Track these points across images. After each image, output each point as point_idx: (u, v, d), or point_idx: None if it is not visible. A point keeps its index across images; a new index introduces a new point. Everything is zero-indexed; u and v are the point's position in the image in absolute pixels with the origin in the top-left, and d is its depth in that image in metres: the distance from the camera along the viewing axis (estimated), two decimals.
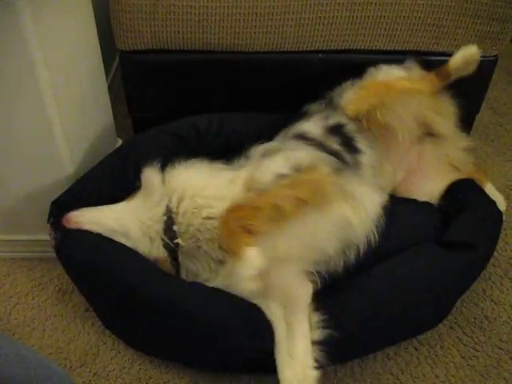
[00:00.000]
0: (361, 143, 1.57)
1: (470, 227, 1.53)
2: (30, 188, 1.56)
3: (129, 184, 1.49)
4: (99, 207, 1.43)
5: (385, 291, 1.38)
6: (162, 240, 1.38)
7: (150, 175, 1.43)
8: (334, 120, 1.60)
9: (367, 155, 1.56)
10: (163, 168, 1.46)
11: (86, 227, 1.39)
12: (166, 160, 1.48)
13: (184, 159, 1.47)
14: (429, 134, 1.68)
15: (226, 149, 1.63)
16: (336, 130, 1.57)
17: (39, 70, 1.32)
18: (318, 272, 1.40)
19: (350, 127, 1.59)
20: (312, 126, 1.58)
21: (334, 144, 1.53)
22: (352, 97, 1.61)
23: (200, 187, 1.39)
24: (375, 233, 1.46)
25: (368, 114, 1.57)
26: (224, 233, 1.27)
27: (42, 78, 1.34)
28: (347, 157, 1.52)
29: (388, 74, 1.65)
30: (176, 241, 1.37)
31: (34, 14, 1.26)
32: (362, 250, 1.44)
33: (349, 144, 1.55)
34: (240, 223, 1.25)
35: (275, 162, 1.39)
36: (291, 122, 1.63)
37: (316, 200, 1.32)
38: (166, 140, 1.66)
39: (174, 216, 1.38)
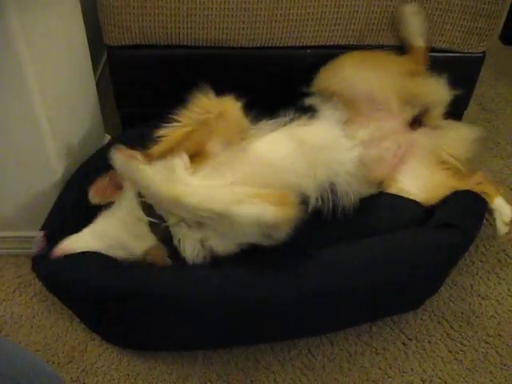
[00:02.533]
0: (321, 107, 1.57)
1: (453, 211, 1.52)
2: (16, 184, 1.54)
3: None
4: (81, 233, 1.38)
5: (356, 265, 1.37)
6: (149, 223, 1.33)
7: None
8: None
9: (328, 112, 1.55)
10: None
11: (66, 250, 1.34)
12: None
13: None
14: (423, 123, 1.66)
15: None
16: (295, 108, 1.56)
17: (25, 66, 1.31)
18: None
19: (310, 101, 1.61)
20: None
21: (289, 114, 1.51)
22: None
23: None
24: (351, 177, 1.43)
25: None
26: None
27: (28, 74, 1.32)
28: (303, 115, 1.50)
29: None
30: (165, 224, 1.33)
31: (19, 9, 1.24)
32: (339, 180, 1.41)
33: (306, 109, 1.55)
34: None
35: None
36: None
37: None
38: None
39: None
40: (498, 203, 1.60)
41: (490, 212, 1.61)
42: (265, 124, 1.46)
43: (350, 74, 1.60)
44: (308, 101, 1.62)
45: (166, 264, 1.35)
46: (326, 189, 1.40)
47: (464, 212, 1.52)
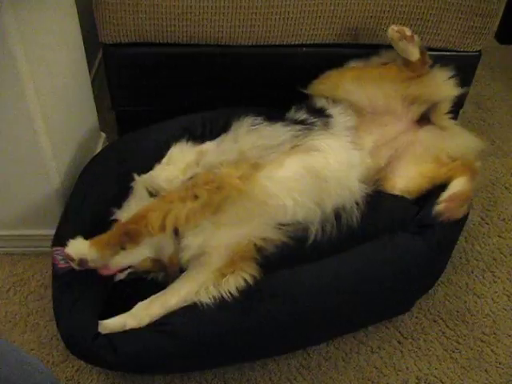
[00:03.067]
0: (332, 111, 1.57)
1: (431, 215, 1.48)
2: (11, 183, 1.54)
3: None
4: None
5: (344, 274, 1.38)
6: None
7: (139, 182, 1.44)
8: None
9: (339, 118, 1.55)
10: None
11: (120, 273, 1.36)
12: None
13: None
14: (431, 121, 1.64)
15: None
16: (306, 106, 1.60)
17: (20, 63, 1.30)
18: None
19: (320, 103, 1.62)
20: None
21: (302, 115, 1.54)
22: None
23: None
24: (358, 194, 1.44)
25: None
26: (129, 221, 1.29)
27: (22, 71, 1.32)
28: (316, 120, 1.51)
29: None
30: None
31: (14, 7, 1.24)
32: (346, 206, 1.41)
33: (319, 112, 1.56)
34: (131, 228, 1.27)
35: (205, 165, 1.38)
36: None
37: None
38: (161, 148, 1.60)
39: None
40: (455, 182, 1.48)
41: None
42: (278, 139, 1.44)
43: (350, 88, 1.59)
44: (317, 102, 1.62)
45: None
46: (330, 219, 1.41)
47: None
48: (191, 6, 1.64)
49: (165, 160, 1.47)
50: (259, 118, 1.52)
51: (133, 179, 1.46)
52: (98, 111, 1.86)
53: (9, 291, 1.60)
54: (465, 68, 1.86)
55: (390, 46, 1.78)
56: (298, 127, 1.48)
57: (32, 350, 1.46)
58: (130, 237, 1.27)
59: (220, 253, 1.34)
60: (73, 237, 1.31)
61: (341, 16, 1.70)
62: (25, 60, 1.31)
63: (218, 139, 1.49)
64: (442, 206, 1.43)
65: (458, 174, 1.50)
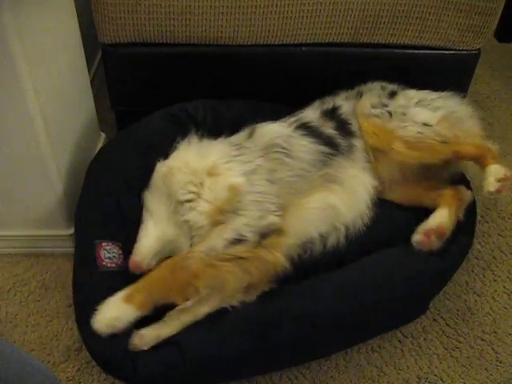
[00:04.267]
0: (355, 127, 1.57)
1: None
2: (9, 183, 1.54)
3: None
4: (143, 238, 1.39)
5: (359, 284, 1.38)
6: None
7: (157, 169, 1.45)
8: (330, 104, 1.62)
9: (359, 138, 1.55)
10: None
11: (151, 265, 1.34)
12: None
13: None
14: None
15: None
16: (331, 113, 1.58)
17: (19, 63, 1.30)
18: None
19: (346, 109, 1.60)
20: (310, 112, 1.60)
21: (329, 129, 1.53)
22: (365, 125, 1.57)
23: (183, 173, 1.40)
24: (367, 216, 1.48)
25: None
26: (150, 277, 1.27)
27: (21, 71, 1.31)
28: (341, 141, 1.52)
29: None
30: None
31: (13, 7, 1.24)
32: (354, 231, 1.45)
33: (344, 128, 1.55)
34: (163, 291, 1.25)
35: (246, 219, 1.31)
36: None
37: (262, 278, 1.32)
38: (170, 129, 1.64)
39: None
40: (492, 168, 1.43)
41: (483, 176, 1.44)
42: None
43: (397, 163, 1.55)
44: (343, 114, 1.59)
45: None
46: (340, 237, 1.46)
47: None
48: (190, 6, 1.64)
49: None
50: (280, 123, 1.54)
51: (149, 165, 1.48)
52: (97, 111, 1.86)
53: (9, 292, 1.60)
54: (464, 66, 1.87)
55: (388, 46, 1.79)
56: (326, 150, 1.48)
57: (32, 350, 1.46)
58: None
59: None
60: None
61: (340, 15, 1.70)
62: (24, 60, 1.31)
63: (248, 161, 1.42)
64: (417, 237, 1.44)
65: (443, 203, 1.49)
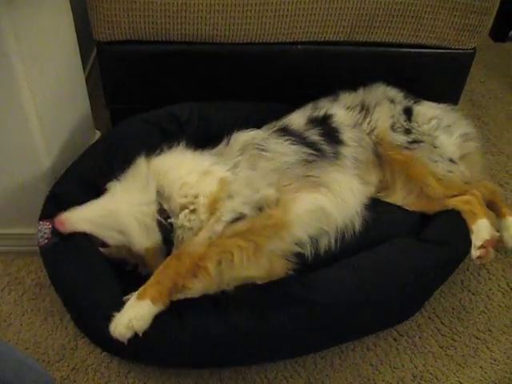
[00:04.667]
0: (346, 136, 1.57)
1: (446, 227, 1.54)
2: (4, 181, 1.53)
3: (114, 175, 1.47)
4: (88, 204, 1.40)
5: (357, 280, 1.38)
6: (158, 222, 1.37)
7: (139, 163, 1.44)
8: (322, 111, 1.62)
9: (350, 147, 1.56)
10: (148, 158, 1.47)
11: (80, 228, 1.35)
12: (151, 150, 1.48)
13: (167, 148, 1.49)
14: None
15: (208, 138, 1.62)
16: (320, 122, 1.58)
17: (13, 60, 1.29)
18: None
19: (341, 120, 1.60)
20: (296, 116, 1.61)
21: (313, 135, 1.54)
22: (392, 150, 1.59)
23: (179, 174, 1.40)
24: (358, 221, 1.49)
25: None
26: (158, 272, 1.27)
27: (16, 69, 1.31)
28: (326, 148, 1.52)
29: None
30: (170, 220, 1.37)
31: (8, 4, 1.23)
32: (344, 235, 1.47)
33: (332, 136, 1.56)
34: (174, 278, 1.25)
35: (242, 197, 1.36)
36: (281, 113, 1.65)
37: (272, 239, 1.35)
38: (150, 131, 1.66)
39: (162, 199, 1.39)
40: (479, 225, 1.50)
41: (470, 234, 1.51)
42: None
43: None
44: (333, 122, 1.60)
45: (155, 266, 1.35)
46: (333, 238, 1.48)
47: (456, 230, 1.53)
48: (186, 4, 1.64)
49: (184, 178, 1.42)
50: (257, 130, 1.56)
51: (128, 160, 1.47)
52: (92, 109, 1.85)
53: (3, 290, 1.59)
54: (459, 65, 1.88)
55: (384, 44, 1.79)
56: (308, 150, 1.49)
57: (27, 349, 1.46)
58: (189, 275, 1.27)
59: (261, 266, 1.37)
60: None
61: (336, 13, 1.70)
62: (18, 58, 1.31)
63: (229, 161, 1.45)
64: (477, 253, 1.47)
65: (478, 212, 1.53)
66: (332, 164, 1.51)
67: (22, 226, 1.64)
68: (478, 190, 1.58)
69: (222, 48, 1.76)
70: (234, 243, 1.29)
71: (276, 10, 1.67)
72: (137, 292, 1.24)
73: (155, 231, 1.37)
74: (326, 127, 1.57)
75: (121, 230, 1.37)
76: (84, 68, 1.80)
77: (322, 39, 1.76)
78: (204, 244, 1.29)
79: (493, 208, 1.61)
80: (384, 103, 1.66)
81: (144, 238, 1.37)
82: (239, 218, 1.32)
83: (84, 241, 1.37)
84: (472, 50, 1.83)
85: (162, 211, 1.38)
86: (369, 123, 1.62)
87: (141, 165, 1.44)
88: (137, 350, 1.29)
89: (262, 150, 1.48)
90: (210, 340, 1.28)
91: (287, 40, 1.76)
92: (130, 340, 1.21)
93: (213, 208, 1.35)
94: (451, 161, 1.57)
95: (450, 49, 1.81)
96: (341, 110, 1.63)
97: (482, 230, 1.49)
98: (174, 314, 1.29)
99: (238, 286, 1.33)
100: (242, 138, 1.52)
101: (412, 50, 1.81)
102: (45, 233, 1.38)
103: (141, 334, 1.20)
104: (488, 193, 1.62)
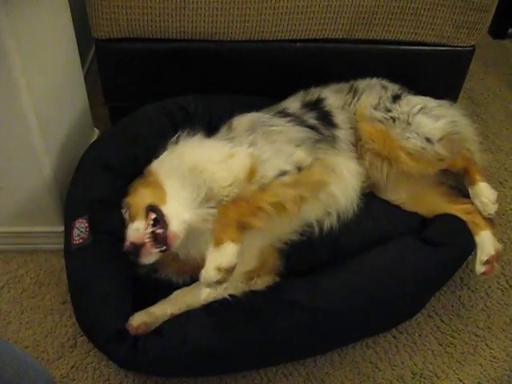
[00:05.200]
0: (338, 119, 1.59)
1: (448, 227, 1.54)
2: (2, 179, 1.52)
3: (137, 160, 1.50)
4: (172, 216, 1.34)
5: (360, 283, 1.39)
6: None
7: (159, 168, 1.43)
8: (314, 95, 1.64)
9: (343, 130, 1.58)
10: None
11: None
12: (167, 138, 1.50)
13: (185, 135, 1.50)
14: None
15: (211, 127, 1.63)
16: (314, 105, 1.60)
17: (12, 58, 1.29)
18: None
19: (331, 102, 1.62)
20: (290, 101, 1.64)
21: (310, 119, 1.56)
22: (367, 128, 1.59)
23: (211, 170, 1.39)
24: (356, 202, 1.53)
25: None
26: (220, 220, 1.28)
27: (14, 66, 1.31)
28: (324, 131, 1.55)
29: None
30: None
31: (6, 2, 1.22)
32: (345, 216, 1.51)
33: (326, 119, 1.58)
34: (238, 217, 1.26)
35: (279, 158, 1.39)
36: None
37: (315, 195, 1.40)
38: (163, 120, 1.65)
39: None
40: (483, 238, 1.51)
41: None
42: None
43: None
44: (326, 105, 1.62)
45: None
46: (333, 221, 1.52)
47: (459, 231, 1.54)
48: (184, 1, 1.63)
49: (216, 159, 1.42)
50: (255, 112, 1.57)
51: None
52: (91, 107, 1.85)
53: (3, 289, 1.59)
54: (458, 63, 1.88)
55: (383, 42, 1.79)
56: (312, 133, 1.52)
57: (26, 347, 1.45)
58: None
59: (252, 254, 1.41)
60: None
61: (334, 11, 1.70)
62: (17, 56, 1.30)
63: (244, 141, 1.46)
64: (482, 269, 1.48)
65: (481, 224, 1.53)
66: (332, 147, 1.54)
67: (20, 225, 1.64)
68: (453, 162, 1.57)
69: (221, 45, 1.76)
70: (284, 191, 1.32)
71: (275, 7, 1.67)
72: (210, 246, 1.24)
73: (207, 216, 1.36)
74: (320, 111, 1.59)
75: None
76: (82, 66, 1.80)
77: (321, 37, 1.76)
78: (255, 191, 1.31)
79: (465, 175, 1.58)
80: (376, 88, 1.67)
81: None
82: (283, 173, 1.35)
83: (112, 248, 1.37)
84: (471, 47, 1.83)
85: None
86: (355, 104, 1.64)
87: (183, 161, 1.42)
88: (139, 361, 1.28)
89: (270, 125, 1.51)
90: (211, 350, 1.28)
91: (286, 37, 1.75)
92: (130, 351, 1.24)
93: (253, 175, 1.36)
94: (427, 140, 1.54)
95: (449, 46, 1.81)
96: (331, 93, 1.65)
97: (486, 243, 1.49)
98: (176, 324, 1.30)
99: (239, 295, 1.36)
100: (246, 119, 1.53)
101: (411, 47, 1.81)
102: (81, 231, 1.38)
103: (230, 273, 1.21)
104: (463, 162, 1.58)
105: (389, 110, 1.60)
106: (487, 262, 1.46)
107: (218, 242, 1.23)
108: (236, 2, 1.65)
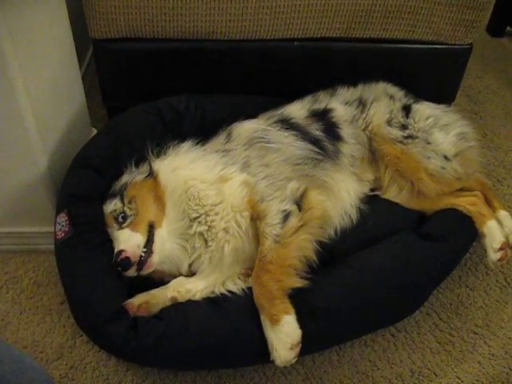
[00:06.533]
0: (345, 132, 1.59)
1: (446, 223, 1.55)
2: (1, 181, 1.52)
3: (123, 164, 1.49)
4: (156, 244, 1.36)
5: (360, 280, 1.39)
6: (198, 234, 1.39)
7: (164, 176, 1.43)
8: (322, 104, 1.63)
9: (348, 145, 1.58)
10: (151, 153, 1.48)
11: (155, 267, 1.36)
12: (154, 140, 1.51)
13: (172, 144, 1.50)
14: None
15: (204, 127, 1.66)
16: (321, 115, 1.60)
17: (9, 59, 1.29)
18: None
19: (340, 114, 1.61)
20: (296, 108, 1.62)
21: (316, 130, 1.56)
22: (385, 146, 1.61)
23: (198, 188, 1.40)
24: (353, 213, 1.55)
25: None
26: (262, 294, 1.29)
27: (12, 67, 1.31)
28: (328, 145, 1.55)
29: None
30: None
31: (2, 2, 1.22)
32: (335, 233, 1.51)
33: (332, 131, 1.57)
34: (279, 286, 1.28)
35: (276, 198, 1.38)
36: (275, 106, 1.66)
37: (323, 229, 1.43)
38: (151, 121, 1.66)
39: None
40: (490, 227, 1.53)
41: (481, 236, 1.54)
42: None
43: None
44: (333, 117, 1.62)
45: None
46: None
47: (458, 225, 1.55)
48: (182, 1, 1.63)
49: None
50: (254, 120, 1.58)
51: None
52: (89, 107, 1.85)
53: (1, 289, 1.59)
54: (456, 61, 1.88)
55: (381, 41, 1.79)
56: (314, 148, 1.52)
57: (25, 347, 1.46)
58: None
59: (249, 255, 1.41)
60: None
61: (332, 10, 1.69)
62: (14, 57, 1.30)
63: (238, 159, 1.46)
64: (496, 256, 1.51)
65: (488, 215, 1.56)
66: (333, 164, 1.54)
67: (19, 225, 1.64)
68: (468, 185, 1.61)
69: (219, 45, 1.76)
70: (300, 239, 1.34)
71: (272, 6, 1.67)
72: (266, 324, 1.26)
73: (197, 243, 1.39)
74: (327, 122, 1.59)
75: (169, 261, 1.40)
76: (80, 66, 1.80)
77: (319, 36, 1.76)
78: (274, 248, 1.31)
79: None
80: (383, 99, 1.67)
81: (186, 258, 1.41)
82: (287, 214, 1.35)
83: (95, 236, 1.38)
84: (469, 46, 1.83)
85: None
86: (364, 119, 1.63)
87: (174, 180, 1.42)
88: (138, 346, 1.27)
89: (267, 142, 1.51)
90: (211, 342, 1.28)
91: (283, 36, 1.75)
92: (129, 332, 1.25)
93: (251, 210, 1.37)
94: (445, 158, 1.58)
95: (447, 44, 1.81)
96: (340, 104, 1.65)
97: (495, 232, 1.53)
98: (178, 311, 1.30)
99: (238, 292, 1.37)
100: (246, 130, 1.53)
101: (408, 45, 1.81)
102: (63, 225, 1.39)
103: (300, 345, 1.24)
104: (479, 186, 1.64)
105: (405, 127, 1.61)
106: (500, 249, 1.50)
107: (276, 321, 1.24)
108: (233, 1, 1.64)
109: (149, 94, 1.86)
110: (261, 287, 1.29)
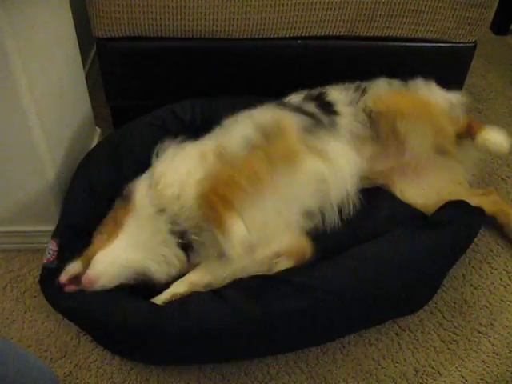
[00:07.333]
0: (341, 108, 1.57)
1: (449, 212, 1.54)
2: (5, 179, 1.53)
3: (125, 180, 1.46)
4: (108, 253, 1.32)
5: (363, 271, 1.38)
6: (180, 245, 1.36)
7: (137, 191, 1.39)
8: (316, 91, 1.63)
9: (345, 119, 1.56)
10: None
11: (106, 285, 1.30)
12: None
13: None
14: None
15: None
16: (317, 97, 1.60)
17: (12, 58, 1.29)
18: None
19: (335, 96, 1.60)
20: (292, 97, 1.63)
21: (311, 108, 1.54)
22: (383, 95, 1.60)
23: (179, 178, 1.36)
24: (354, 192, 1.51)
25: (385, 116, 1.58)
26: (205, 208, 1.26)
27: (15, 66, 1.31)
28: (323, 118, 1.52)
29: (432, 94, 1.63)
30: (193, 237, 1.35)
31: (5, 1, 1.22)
32: (340, 212, 1.49)
33: (327, 108, 1.56)
34: (218, 196, 1.25)
35: (240, 124, 1.38)
36: None
37: (289, 161, 1.36)
38: (155, 133, 1.61)
39: (176, 218, 1.35)
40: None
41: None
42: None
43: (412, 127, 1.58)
44: (328, 96, 1.61)
45: None
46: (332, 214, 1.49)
47: (464, 212, 1.55)
48: (185, 0, 1.63)
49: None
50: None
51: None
52: (92, 106, 1.85)
53: (5, 288, 1.60)
54: (460, 59, 1.87)
55: (384, 39, 1.78)
56: (308, 119, 1.49)
57: (29, 346, 1.46)
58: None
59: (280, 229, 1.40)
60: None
61: (336, 8, 1.69)
62: (17, 56, 1.30)
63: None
64: None
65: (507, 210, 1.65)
66: (329, 132, 1.51)
67: (23, 224, 1.64)
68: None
69: (222, 43, 1.76)
70: (256, 160, 1.31)
71: (276, 4, 1.67)
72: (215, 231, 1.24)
73: (176, 259, 1.36)
74: (322, 101, 1.58)
75: (146, 275, 1.35)
76: (84, 65, 1.80)
77: (322, 34, 1.76)
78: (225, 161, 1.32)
79: (468, 132, 1.63)
80: (382, 83, 1.66)
81: (167, 272, 1.36)
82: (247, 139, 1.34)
83: None
84: (473, 44, 1.83)
85: (181, 235, 1.35)
86: (364, 101, 1.61)
87: (140, 194, 1.38)
88: (138, 347, 1.30)
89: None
90: (212, 331, 1.27)
91: (287, 35, 1.75)
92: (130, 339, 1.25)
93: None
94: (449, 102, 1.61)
95: (451, 42, 1.80)
96: (336, 89, 1.64)
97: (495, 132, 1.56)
98: (176, 305, 1.30)
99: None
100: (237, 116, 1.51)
101: (412, 43, 1.81)
102: (49, 253, 1.38)
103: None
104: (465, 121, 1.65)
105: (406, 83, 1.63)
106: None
107: (221, 229, 1.22)
108: None
109: (152, 92, 1.87)
110: (203, 200, 1.27)
